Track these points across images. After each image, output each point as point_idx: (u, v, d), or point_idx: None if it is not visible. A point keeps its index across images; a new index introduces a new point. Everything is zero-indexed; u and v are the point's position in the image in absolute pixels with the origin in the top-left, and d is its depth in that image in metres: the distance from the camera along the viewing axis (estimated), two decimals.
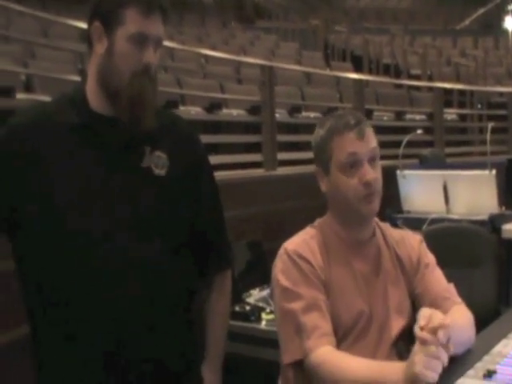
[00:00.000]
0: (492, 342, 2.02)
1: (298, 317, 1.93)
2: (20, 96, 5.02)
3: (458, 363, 1.82)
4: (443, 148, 8.57)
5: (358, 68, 12.17)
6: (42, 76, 5.89)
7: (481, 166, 4.81)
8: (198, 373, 1.98)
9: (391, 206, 4.90)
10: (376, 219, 2.14)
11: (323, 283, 1.99)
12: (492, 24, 18.77)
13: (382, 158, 2.10)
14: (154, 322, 1.80)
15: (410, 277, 2.12)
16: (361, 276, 2.05)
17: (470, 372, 1.79)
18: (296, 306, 1.95)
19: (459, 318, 1.97)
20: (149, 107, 1.79)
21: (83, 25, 2.27)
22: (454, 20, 18.91)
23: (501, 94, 11.18)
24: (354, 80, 8.21)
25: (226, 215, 2.08)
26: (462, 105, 10.80)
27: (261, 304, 3.37)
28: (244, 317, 3.25)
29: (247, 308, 3.31)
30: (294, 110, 7.81)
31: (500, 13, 19.05)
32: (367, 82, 9.57)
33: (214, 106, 6.88)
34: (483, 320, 2.20)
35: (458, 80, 12.18)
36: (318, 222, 2.15)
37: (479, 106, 10.91)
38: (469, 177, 4.79)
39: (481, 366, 1.82)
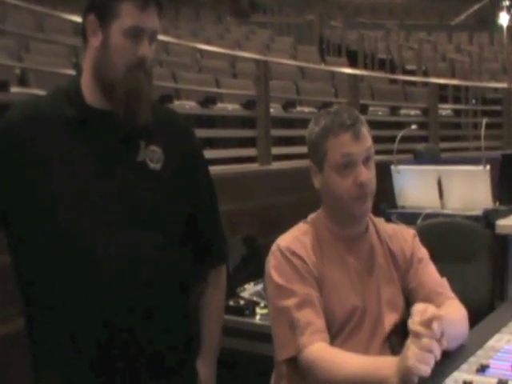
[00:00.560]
0: (485, 336, 2.03)
1: (291, 313, 1.94)
2: (14, 90, 5.03)
3: (451, 357, 1.83)
4: (438, 143, 8.59)
5: (352, 63, 12.17)
6: (37, 70, 5.88)
7: (475, 161, 4.81)
8: (192, 367, 1.98)
9: (385, 201, 4.90)
10: (370, 214, 2.14)
11: (316, 279, 2.00)
12: (487, 19, 18.79)
13: (377, 152, 2.10)
14: (151, 317, 1.80)
15: (403, 272, 2.12)
16: (354, 271, 2.05)
17: (464, 366, 1.79)
18: (289, 302, 1.95)
19: (452, 313, 1.98)
20: (144, 101, 1.79)
21: (78, 18, 2.26)
22: (449, 15, 18.92)
23: (495, 89, 11.20)
24: (349, 75, 8.23)
25: (221, 210, 2.08)
26: (456, 100, 10.82)
27: (255, 298, 3.37)
28: (238, 311, 3.25)
29: (241, 302, 3.31)
30: (289, 104, 7.81)
31: (495, 8, 19.06)
32: (362, 76, 9.59)
33: (208, 101, 6.87)
34: (477, 315, 2.21)
35: (452, 75, 12.20)
36: (310, 217, 2.14)
37: (474, 101, 10.93)
38: (463, 172, 4.79)
39: (474, 361, 1.83)
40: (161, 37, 5.03)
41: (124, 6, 1.74)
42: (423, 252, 2.18)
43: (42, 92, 4.07)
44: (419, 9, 19.48)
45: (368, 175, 1.99)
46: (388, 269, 2.10)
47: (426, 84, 10.12)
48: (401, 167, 5.07)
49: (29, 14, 8.27)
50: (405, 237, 2.18)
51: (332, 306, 1.99)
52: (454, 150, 9.15)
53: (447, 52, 14.10)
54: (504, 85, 10.60)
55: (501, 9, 19.00)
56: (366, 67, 12.25)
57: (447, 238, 3.42)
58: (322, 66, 11.13)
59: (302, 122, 5.78)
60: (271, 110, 6.55)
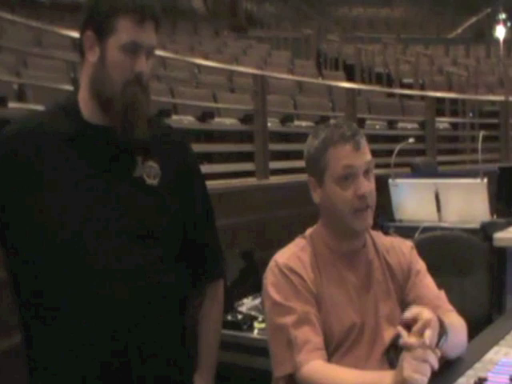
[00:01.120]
0: (483, 349, 2.03)
1: (289, 331, 1.93)
2: (12, 105, 5.04)
3: (449, 370, 1.83)
4: (435, 156, 8.61)
5: (350, 77, 12.21)
6: (35, 85, 5.90)
7: (472, 174, 4.82)
8: (190, 382, 1.98)
9: (383, 215, 4.91)
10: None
11: (314, 296, 1.99)
12: (483, 33, 18.86)
13: (374, 166, 2.10)
14: (147, 331, 1.79)
15: (401, 284, 2.11)
16: (352, 288, 2.04)
17: (461, 380, 1.80)
18: (287, 320, 1.94)
19: (454, 321, 1.98)
20: (141, 116, 1.79)
21: (76, 34, 2.27)
22: (446, 29, 19.00)
23: (492, 102, 11.23)
24: (347, 89, 8.26)
25: (219, 224, 2.08)
26: (453, 113, 10.85)
27: (253, 313, 3.37)
28: (236, 325, 3.24)
29: (239, 317, 3.31)
30: (287, 118, 7.83)
31: (491, 22, 19.16)
32: (359, 90, 9.61)
33: (206, 115, 6.89)
34: (475, 327, 2.21)
35: (449, 89, 12.22)
36: (308, 232, 2.13)
37: (471, 114, 10.94)
38: (461, 185, 4.80)
39: (472, 374, 1.83)
40: (158, 51, 5.04)
41: (121, 21, 1.75)
42: (421, 264, 2.17)
43: (39, 107, 4.08)
44: (416, 22, 19.58)
45: (368, 187, 1.99)
46: (385, 283, 2.09)
47: (423, 97, 10.15)
48: (398, 181, 5.07)
49: (26, 30, 8.30)
50: (402, 249, 2.17)
51: (330, 323, 1.98)
52: (451, 163, 9.17)
53: (444, 65, 14.13)
54: (501, 98, 10.64)
55: (497, 22, 19.11)
56: (363, 81, 12.27)
57: (445, 251, 3.42)
58: (320, 80, 11.16)
59: (300, 136, 5.81)
60: (269, 125, 6.57)
